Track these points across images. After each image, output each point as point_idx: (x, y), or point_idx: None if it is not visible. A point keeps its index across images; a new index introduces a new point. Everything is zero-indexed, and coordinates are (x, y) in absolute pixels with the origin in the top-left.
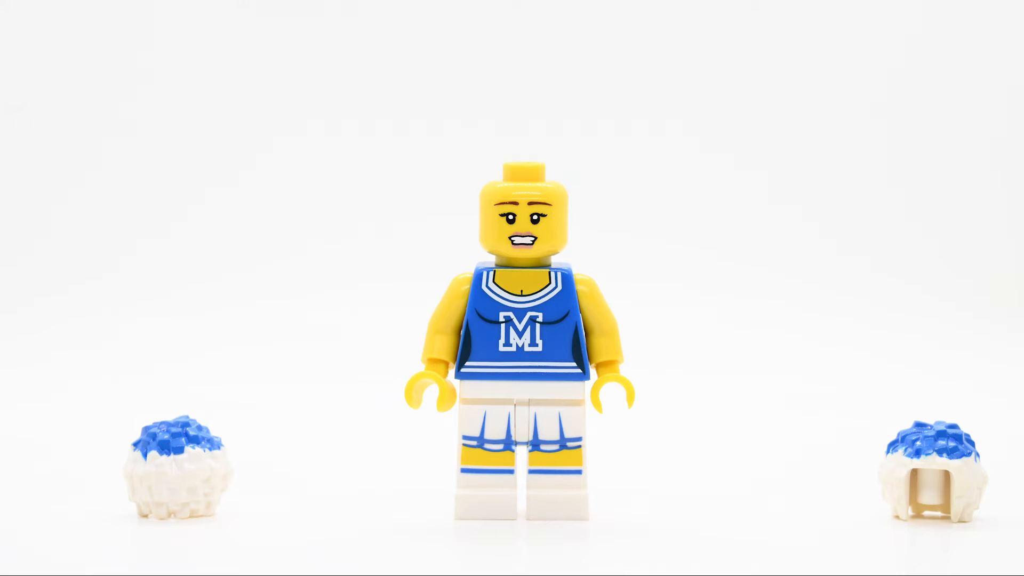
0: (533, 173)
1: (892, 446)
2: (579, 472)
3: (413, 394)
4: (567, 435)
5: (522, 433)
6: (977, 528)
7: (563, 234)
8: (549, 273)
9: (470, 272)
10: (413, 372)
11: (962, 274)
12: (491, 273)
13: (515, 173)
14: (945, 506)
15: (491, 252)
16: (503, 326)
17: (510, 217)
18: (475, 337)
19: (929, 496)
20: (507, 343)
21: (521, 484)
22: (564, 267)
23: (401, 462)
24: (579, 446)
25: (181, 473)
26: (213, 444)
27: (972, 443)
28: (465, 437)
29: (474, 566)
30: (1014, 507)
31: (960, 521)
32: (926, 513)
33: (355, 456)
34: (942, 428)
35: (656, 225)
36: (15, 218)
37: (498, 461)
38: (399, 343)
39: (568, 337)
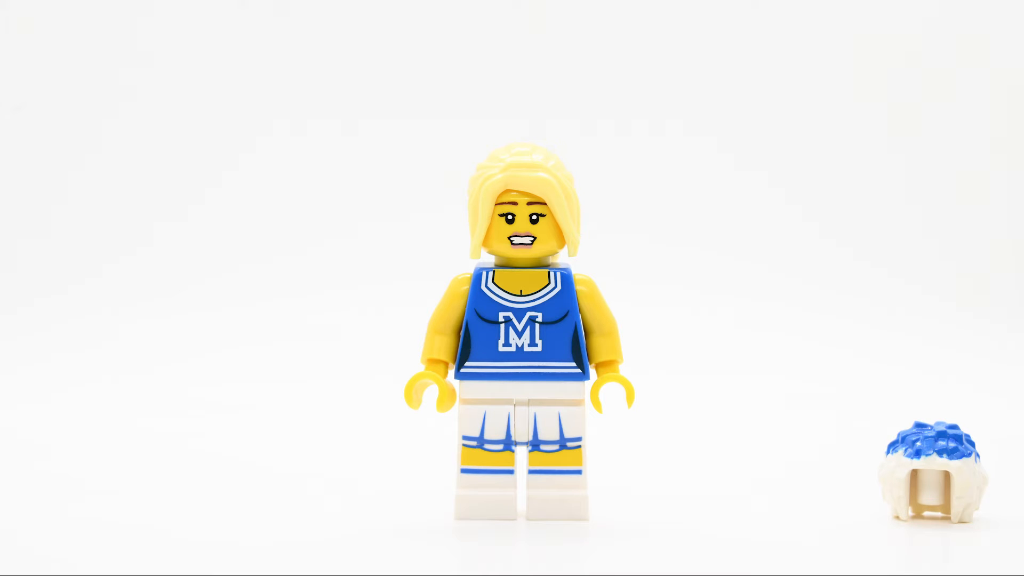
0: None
1: (892, 446)
2: (579, 472)
3: (413, 394)
4: (567, 435)
5: (522, 433)
6: (977, 528)
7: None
8: (548, 273)
9: (469, 272)
10: (413, 372)
11: (962, 274)
12: (490, 273)
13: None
14: (945, 506)
15: (488, 251)
16: (502, 326)
17: (509, 217)
18: (475, 337)
19: (929, 496)
20: (507, 343)
21: (521, 484)
22: (563, 267)
23: (401, 462)
24: (579, 446)
25: None
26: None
27: (972, 443)
28: (465, 437)
29: (474, 566)
30: (1014, 507)
31: (960, 521)
32: (926, 513)
33: (355, 456)
34: (942, 428)
35: (656, 225)
36: (15, 218)
37: (498, 461)
38: (399, 343)
39: (568, 337)
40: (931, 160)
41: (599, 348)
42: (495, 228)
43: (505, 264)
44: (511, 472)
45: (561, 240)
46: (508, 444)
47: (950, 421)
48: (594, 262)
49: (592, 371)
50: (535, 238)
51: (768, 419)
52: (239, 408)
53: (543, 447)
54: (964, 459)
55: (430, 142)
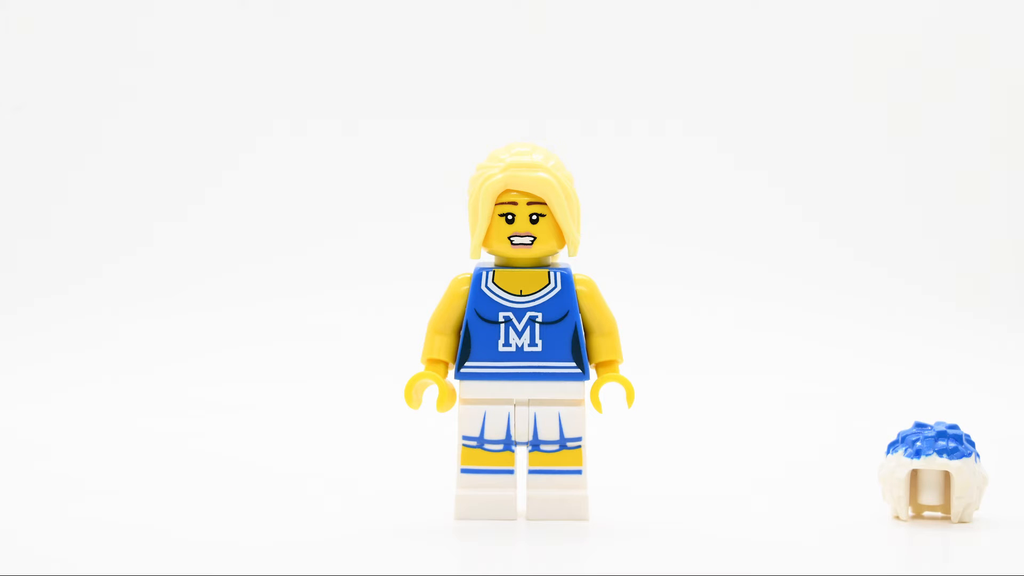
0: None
1: (892, 446)
2: (579, 472)
3: (413, 394)
4: (567, 435)
5: (522, 433)
6: (977, 528)
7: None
8: (548, 273)
9: (469, 272)
10: (413, 372)
11: (962, 274)
12: (490, 273)
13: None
14: (945, 506)
15: (489, 251)
16: (502, 326)
17: (509, 217)
18: (475, 337)
19: (929, 496)
20: (507, 343)
21: (521, 484)
22: (563, 267)
23: (401, 462)
24: (579, 446)
25: None
26: None
27: (972, 443)
28: (465, 437)
29: (474, 566)
30: (1014, 507)
31: (960, 521)
32: (926, 513)
33: (355, 456)
34: (942, 428)
35: (656, 225)
36: (15, 218)
37: (498, 461)
38: (399, 343)
39: (568, 337)
40: (931, 160)
41: (599, 348)
42: (495, 228)
43: (505, 264)
44: (511, 472)
45: (561, 240)
46: (508, 444)
47: (950, 421)
48: (594, 262)
49: (592, 371)
50: (535, 238)
51: (768, 419)
52: (239, 408)
53: (543, 447)
54: (964, 459)
55: (430, 142)
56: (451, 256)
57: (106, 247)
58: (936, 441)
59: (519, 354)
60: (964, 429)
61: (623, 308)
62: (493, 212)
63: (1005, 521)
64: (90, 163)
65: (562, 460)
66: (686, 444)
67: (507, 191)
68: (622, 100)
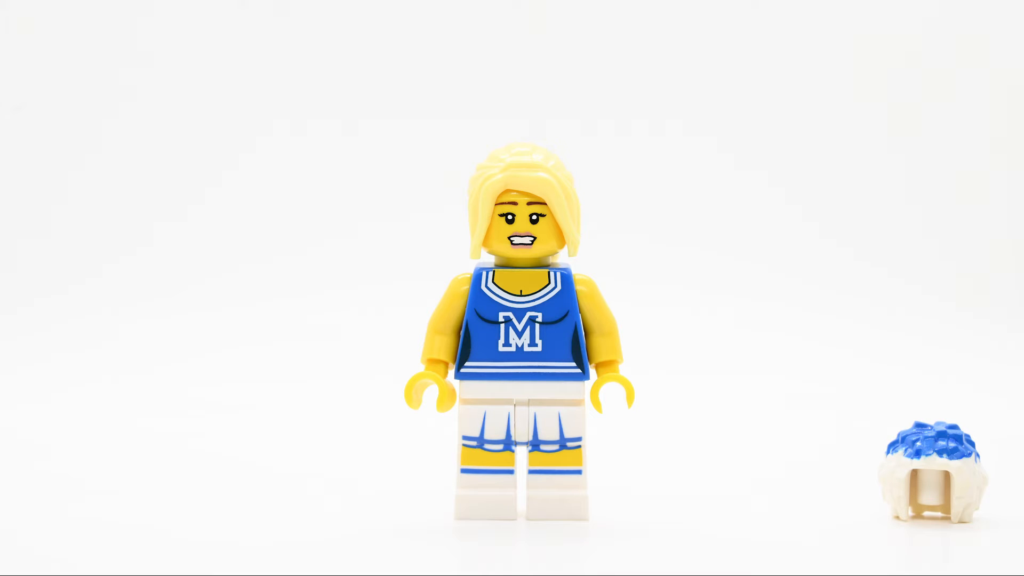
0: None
1: (892, 446)
2: (579, 472)
3: (413, 394)
4: (567, 435)
5: (522, 433)
6: (977, 528)
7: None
8: (548, 273)
9: (469, 272)
10: (413, 372)
11: (962, 274)
12: (490, 273)
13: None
14: (945, 506)
15: (489, 251)
16: (503, 326)
17: (509, 217)
18: (475, 337)
19: (929, 496)
20: (507, 343)
21: (521, 484)
22: (563, 267)
23: (401, 462)
24: (579, 446)
25: None
26: None
27: (972, 443)
28: (465, 437)
29: (474, 566)
30: (1014, 507)
31: (960, 522)
32: (926, 513)
33: (355, 456)
34: (942, 428)
35: (656, 225)
36: (15, 218)
37: (498, 461)
38: (399, 343)
39: (568, 337)
40: (931, 160)
41: (599, 348)
42: (495, 228)
43: (505, 264)
44: (511, 472)
45: (561, 240)
46: (508, 444)
47: (950, 421)
48: (594, 262)
49: (592, 371)
50: (535, 238)
51: (768, 419)
52: (239, 408)
53: (543, 447)
54: (964, 459)
55: (430, 142)
56: (451, 256)
57: (106, 247)
58: (936, 441)
59: (519, 354)
60: (964, 429)
61: (623, 308)
62: (493, 212)
63: (1005, 521)
64: (90, 163)
65: (562, 460)
66: (686, 444)
67: (507, 191)
68: (622, 100)
